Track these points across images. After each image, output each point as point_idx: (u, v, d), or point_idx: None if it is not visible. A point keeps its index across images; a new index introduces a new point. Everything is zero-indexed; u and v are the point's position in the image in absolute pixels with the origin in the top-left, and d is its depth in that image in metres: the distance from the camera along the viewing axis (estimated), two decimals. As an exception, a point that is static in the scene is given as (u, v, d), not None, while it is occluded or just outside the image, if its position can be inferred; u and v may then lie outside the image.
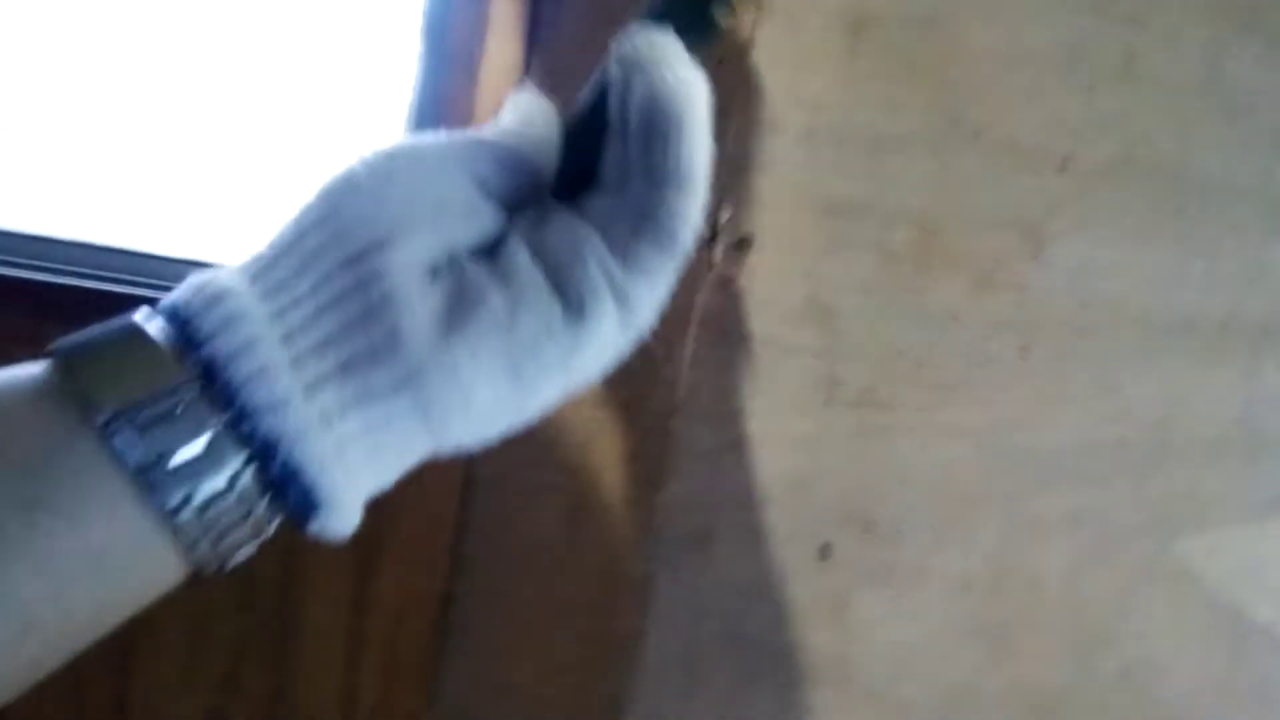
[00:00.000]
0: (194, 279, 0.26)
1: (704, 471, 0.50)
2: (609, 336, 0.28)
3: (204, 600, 0.48)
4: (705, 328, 0.49)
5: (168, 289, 0.26)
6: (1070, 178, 0.51)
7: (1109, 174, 0.51)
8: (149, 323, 0.25)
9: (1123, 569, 0.55)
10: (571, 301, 0.28)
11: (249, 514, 0.25)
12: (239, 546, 0.25)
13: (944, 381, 0.52)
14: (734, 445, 0.50)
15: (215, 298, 0.25)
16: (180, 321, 0.25)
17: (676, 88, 0.28)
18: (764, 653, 0.52)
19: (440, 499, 0.48)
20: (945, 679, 0.54)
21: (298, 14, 0.55)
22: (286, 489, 0.25)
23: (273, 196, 0.56)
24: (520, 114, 0.31)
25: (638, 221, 0.28)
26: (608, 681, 0.50)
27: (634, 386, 0.49)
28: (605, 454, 0.49)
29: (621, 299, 0.28)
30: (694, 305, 0.48)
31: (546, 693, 0.50)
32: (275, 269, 0.26)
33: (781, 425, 0.51)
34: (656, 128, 0.28)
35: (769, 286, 0.50)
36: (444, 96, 0.55)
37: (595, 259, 0.28)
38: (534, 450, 0.48)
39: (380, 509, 0.47)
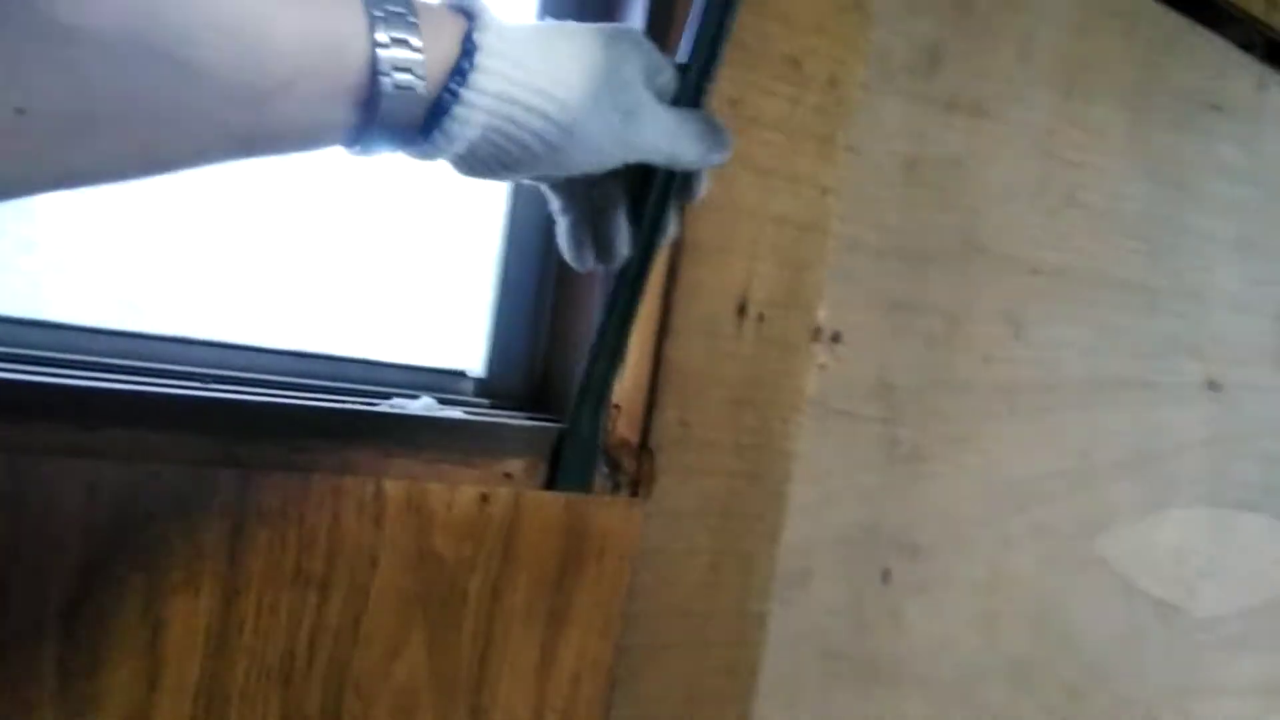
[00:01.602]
0: None
1: (806, 522, 0.61)
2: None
3: (406, 686, 0.51)
4: (809, 406, 0.60)
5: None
6: (1039, 280, 0.68)
7: (1060, 276, 0.70)
8: None
9: (1065, 564, 0.74)
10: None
11: (416, 85, 0.35)
12: (398, 97, 0.34)
13: (960, 435, 0.67)
14: (827, 499, 0.62)
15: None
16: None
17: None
18: (843, 661, 0.65)
19: (616, 574, 0.55)
20: (961, 660, 0.70)
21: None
22: (443, 99, 0.36)
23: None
24: None
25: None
26: (739, 705, 0.60)
27: (759, 459, 0.59)
28: (736, 518, 0.59)
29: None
30: (803, 389, 0.60)
31: (692, 722, 0.59)
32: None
33: (857, 480, 0.63)
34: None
35: (850, 370, 0.62)
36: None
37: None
38: (684, 521, 0.57)
39: (563, 586, 0.53)
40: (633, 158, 0.42)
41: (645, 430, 0.55)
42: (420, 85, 0.35)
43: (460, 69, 0.36)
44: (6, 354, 0.47)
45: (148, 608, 0.45)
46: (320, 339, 0.59)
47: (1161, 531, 0.77)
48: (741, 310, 0.57)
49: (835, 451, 0.62)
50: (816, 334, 0.60)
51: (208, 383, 0.52)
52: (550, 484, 0.54)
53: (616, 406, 0.55)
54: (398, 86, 0.34)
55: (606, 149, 0.41)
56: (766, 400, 0.58)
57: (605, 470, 0.55)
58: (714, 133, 0.45)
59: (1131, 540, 0.76)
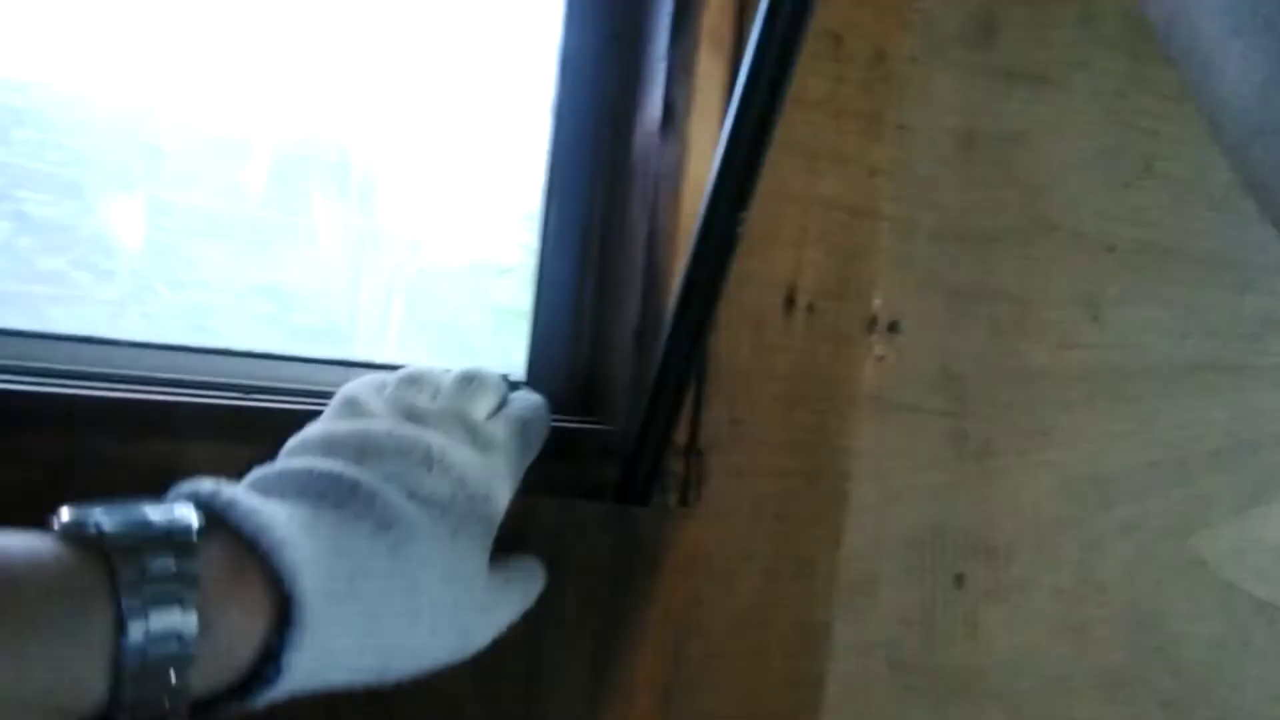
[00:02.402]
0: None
1: (870, 524, 0.58)
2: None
3: (450, 694, 0.49)
4: (867, 400, 0.57)
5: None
6: (1115, 258, 0.64)
7: (1139, 253, 0.65)
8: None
9: (1158, 565, 0.68)
10: None
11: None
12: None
13: (1037, 427, 0.63)
14: (892, 499, 0.58)
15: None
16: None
17: None
18: (916, 673, 0.61)
19: (669, 587, 0.52)
20: (1046, 673, 0.65)
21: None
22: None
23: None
24: None
25: None
26: (804, 718, 0.57)
27: (815, 458, 0.56)
28: (794, 521, 0.55)
29: None
30: (860, 382, 0.56)
31: (755, 738, 0.56)
32: None
33: (924, 478, 0.59)
34: None
35: (910, 361, 0.58)
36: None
37: None
38: (738, 525, 0.54)
39: (614, 599, 0.50)
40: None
41: (693, 430, 0.53)
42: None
43: (261, 675, 0.29)
44: (60, 370, 0.48)
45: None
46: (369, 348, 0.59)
47: (1265, 527, 0.71)
48: (790, 301, 0.54)
49: (899, 448, 0.58)
50: (872, 324, 0.57)
51: (249, 394, 0.51)
52: (597, 491, 0.52)
53: (661, 407, 0.52)
54: None
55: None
56: (821, 395, 0.55)
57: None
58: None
59: (1231, 538, 0.70)
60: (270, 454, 0.47)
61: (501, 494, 0.40)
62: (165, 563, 0.26)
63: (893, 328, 0.57)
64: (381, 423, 0.38)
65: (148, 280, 0.54)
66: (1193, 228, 0.66)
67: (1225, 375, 0.69)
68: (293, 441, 0.38)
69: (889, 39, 0.55)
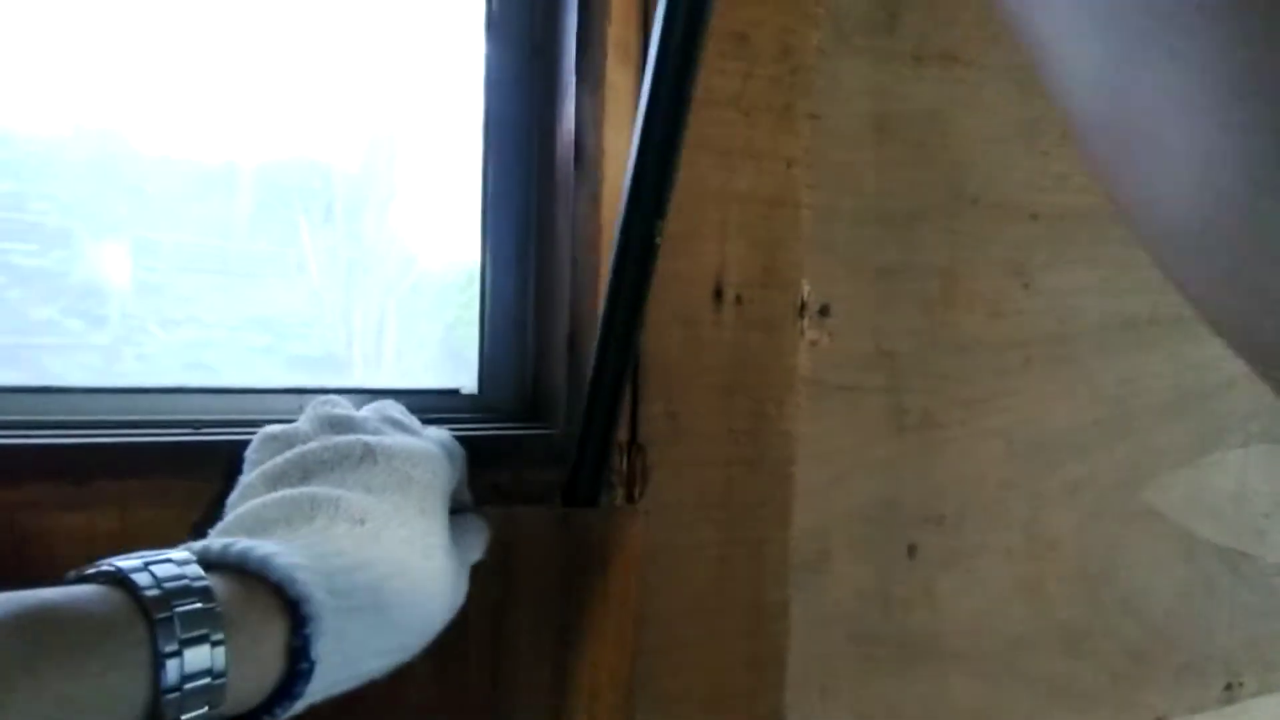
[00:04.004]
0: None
1: (818, 504, 0.59)
2: None
3: (415, 702, 0.51)
4: (804, 384, 0.59)
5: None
6: (1041, 225, 0.65)
7: (1064, 218, 0.66)
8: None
9: (1110, 520, 0.70)
10: None
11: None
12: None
13: (976, 396, 0.64)
14: (837, 478, 0.60)
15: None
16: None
17: None
18: (877, 644, 0.62)
19: (623, 585, 0.54)
20: (1007, 633, 0.67)
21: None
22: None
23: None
24: None
25: None
26: (768, 698, 0.58)
27: (757, 444, 0.57)
28: (740, 507, 0.57)
29: None
30: (795, 367, 0.58)
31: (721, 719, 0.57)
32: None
33: (868, 454, 0.61)
34: None
35: (844, 342, 0.60)
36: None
37: None
38: (685, 515, 0.56)
39: (569, 601, 0.52)
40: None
41: (632, 426, 0.55)
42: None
43: (288, 692, 0.31)
44: (6, 421, 0.50)
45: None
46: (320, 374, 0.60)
47: (1219, 475, 0.72)
48: (718, 294, 0.56)
49: (840, 428, 0.60)
50: (802, 310, 0.58)
51: (200, 429, 0.53)
52: (545, 496, 0.54)
53: (600, 407, 0.54)
54: None
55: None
56: (757, 383, 0.57)
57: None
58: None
59: (1184, 487, 0.72)
60: (218, 485, 0.49)
61: (442, 468, 0.42)
62: (180, 584, 0.29)
63: (823, 311, 0.59)
64: (312, 442, 0.40)
65: (140, 321, 0.55)
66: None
67: (1164, 329, 0.70)
68: (233, 496, 0.40)
69: (793, 33, 0.57)
